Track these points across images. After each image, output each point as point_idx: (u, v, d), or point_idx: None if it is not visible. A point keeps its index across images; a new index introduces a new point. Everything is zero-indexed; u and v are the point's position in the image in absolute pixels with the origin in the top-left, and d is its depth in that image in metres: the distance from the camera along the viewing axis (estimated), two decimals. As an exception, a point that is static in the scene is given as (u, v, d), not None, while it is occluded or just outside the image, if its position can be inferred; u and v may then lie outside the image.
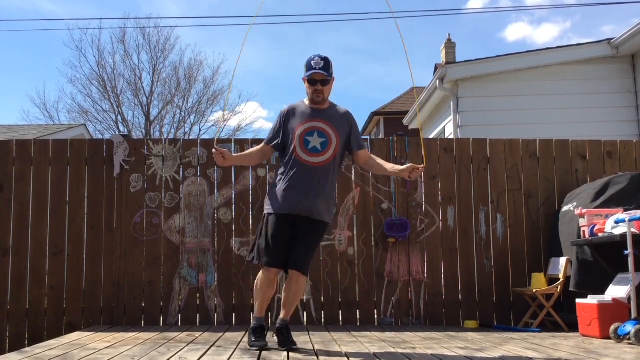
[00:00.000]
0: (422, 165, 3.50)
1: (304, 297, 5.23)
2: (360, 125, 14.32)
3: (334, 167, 3.58)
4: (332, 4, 36.87)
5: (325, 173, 3.51)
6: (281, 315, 3.57)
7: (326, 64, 3.52)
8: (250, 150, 3.88)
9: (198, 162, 5.38)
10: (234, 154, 3.77)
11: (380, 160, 3.75)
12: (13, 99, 38.52)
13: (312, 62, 3.51)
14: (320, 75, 3.49)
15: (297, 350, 3.37)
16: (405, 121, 12.20)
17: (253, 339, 3.49)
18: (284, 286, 3.62)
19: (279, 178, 3.58)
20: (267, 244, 3.47)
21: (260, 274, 3.57)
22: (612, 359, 3.09)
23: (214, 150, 3.53)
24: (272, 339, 3.54)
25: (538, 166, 5.56)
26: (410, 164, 3.55)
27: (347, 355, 3.22)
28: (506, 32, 39.43)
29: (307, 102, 3.64)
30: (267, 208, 3.57)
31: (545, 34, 38.77)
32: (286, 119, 3.60)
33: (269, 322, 5.18)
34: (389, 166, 3.76)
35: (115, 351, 3.33)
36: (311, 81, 3.52)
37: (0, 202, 5.20)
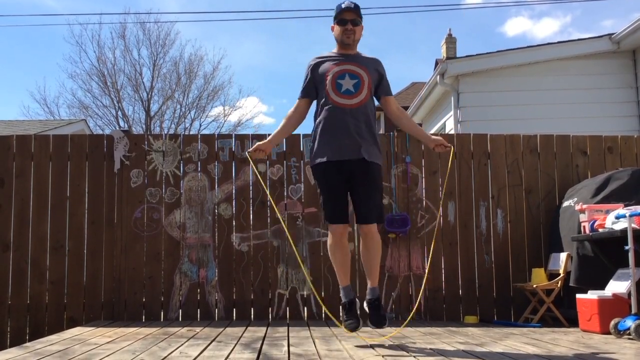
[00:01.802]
0: (450, 146, 3.52)
1: (304, 292, 5.24)
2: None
3: (371, 109, 3.46)
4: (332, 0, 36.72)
5: (363, 114, 3.39)
6: (369, 284, 3.44)
7: (357, 6, 3.46)
8: (285, 118, 3.64)
9: (198, 158, 5.38)
10: (268, 139, 3.61)
11: (410, 119, 3.71)
12: (13, 94, 38.49)
13: (343, 4, 3.45)
14: (351, 14, 3.42)
15: (383, 327, 3.41)
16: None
17: (345, 317, 3.42)
18: (361, 249, 3.47)
19: (316, 129, 3.46)
20: (324, 199, 3.37)
21: (329, 237, 3.45)
22: (612, 354, 3.09)
23: (248, 151, 3.55)
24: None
25: (539, 161, 5.56)
26: (441, 138, 3.58)
27: (347, 350, 3.22)
28: (506, 26, 39.34)
29: (334, 50, 3.57)
30: (313, 161, 3.45)
31: (546, 29, 38.68)
32: (314, 68, 3.52)
33: (270, 317, 5.19)
34: (418, 129, 3.71)
35: (116, 346, 3.34)
36: (341, 21, 3.43)
37: (1, 198, 5.21)
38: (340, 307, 3.40)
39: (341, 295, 3.53)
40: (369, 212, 3.35)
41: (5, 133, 7.96)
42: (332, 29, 3.53)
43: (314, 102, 3.59)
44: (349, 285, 3.52)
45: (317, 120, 3.47)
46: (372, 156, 3.37)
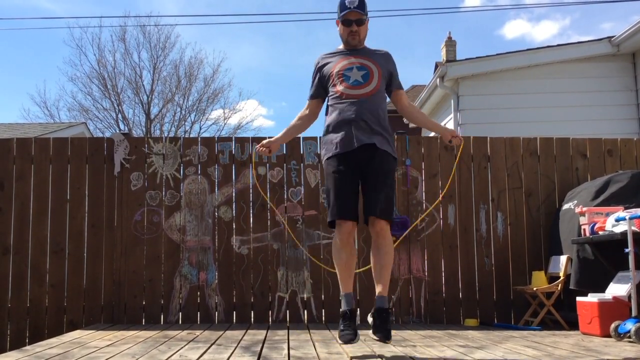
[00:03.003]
0: (462, 140, 3.45)
1: (304, 295, 5.24)
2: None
3: (382, 99, 3.27)
4: (331, 2, 36.83)
5: (374, 103, 3.20)
6: (378, 291, 3.07)
7: (361, 1, 3.25)
8: (296, 117, 3.49)
9: (198, 160, 5.38)
10: (277, 136, 3.46)
11: (421, 112, 3.61)
12: (13, 97, 38.54)
13: (346, 1, 3.27)
14: (355, 14, 3.24)
15: (386, 342, 3.03)
16: (406, 119, 12.20)
17: (341, 327, 3.07)
18: (371, 250, 3.18)
19: (327, 127, 3.28)
20: (332, 194, 3.13)
21: (334, 236, 3.19)
22: (612, 357, 3.09)
23: (257, 149, 3.41)
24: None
25: (538, 164, 5.56)
26: (454, 130, 3.50)
27: (347, 353, 3.22)
28: (505, 29, 39.37)
29: (341, 47, 3.43)
30: (324, 153, 3.26)
31: (545, 31, 38.72)
32: (322, 66, 3.38)
33: (270, 320, 5.19)
34: (432, 122, 3.64)
35: (116, 349, 3.34)
36: (346, 22, 3.27)
37: (1, 201, 5.21)
38: (341, 316, 3.12)
39: (342, 302, 3.20)
40: (381, 204, 3.06)
41: (6, 136, 7.97)
42: (337, 23, 3.36)
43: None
44: (351, 293, 3.21)
45: (327, 117, 3.31)
46: (384, 145, 3.17)
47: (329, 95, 3.32)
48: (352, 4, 3.25)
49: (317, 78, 3.41)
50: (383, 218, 3.08)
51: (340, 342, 3.09)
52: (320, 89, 3.40)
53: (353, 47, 3.35)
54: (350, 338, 3.00)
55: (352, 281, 3.23)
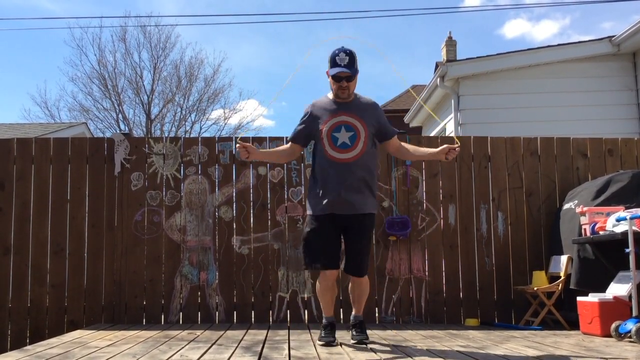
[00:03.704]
0: (457, 145, 3.49)
1: (305, 295, 5.24)
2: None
3: (370, 157, 3.51)
4: (331, 2, 36.82)
5: (361, 166, 3.45)
6: (353, 312, 3.68)
7: (351, 59, 3.42)
8: (278, 148, 3.86)
9: (199, 160, 5.38)
10: (260, 150, 3.66)
11: (412, 147, 3.80)
12: (14, 97, 38.54)
13: (337, 58, 3.41)
14: (345, 72, 3.40)
15: (365, 343, 3.51)
16: (406, 119, 12.20)
17: (322, 334, 3.57)
18: (349, 287, 3.70)
19: (313, 178, 3.56)
20: (317, 249, 3.46)
21: (319, 278, 3.59)
22: (613, 357, 3.09)
23: (237, 145, 3.49)
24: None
25: (539, 164, 5.56)
26: (445, 145, 3.54)
27: (348, 353, 3.22)
28: (504, 28, 39.35)
29: (330, 95, 3.57)
30: (309, 209, 3.55)
31: (544, 31, 38.70)
32: (310, 117, 3.55)
33: (271, 320, 5.19)
34: (423, 150, 3.80)
35: (117, 349, 3.34)
36: (336, 77, 3.43)
37: (1, 201, 5.21)
38: (322, 327, 3.63)
39: (323, 319, 3.67)
40: (361, 267, 3.53)
41: (6, 136, 7.98)
42: (327, 74, 3.49)
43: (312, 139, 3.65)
44: (332, 316, 3.68)
45: (315, 170, 3.55)
46: (366, 208, 3.48)
47: (318, 148, 3.54)
48: (343, 61, 3.41)
49: (304, 126, 3.58)
50: (360, 277, 3.58)
51: (320, 343, 3.54)
52: (304, 138, 3.62)
53: (343, 99, 3.50)
54: (330, 341, 3.49)
55: (332, 308, 3.70)
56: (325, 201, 3.43)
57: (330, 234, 3.46)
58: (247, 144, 3.49)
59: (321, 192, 3.45)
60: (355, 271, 3.54)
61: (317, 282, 3.62)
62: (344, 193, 3.41)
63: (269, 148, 3.78)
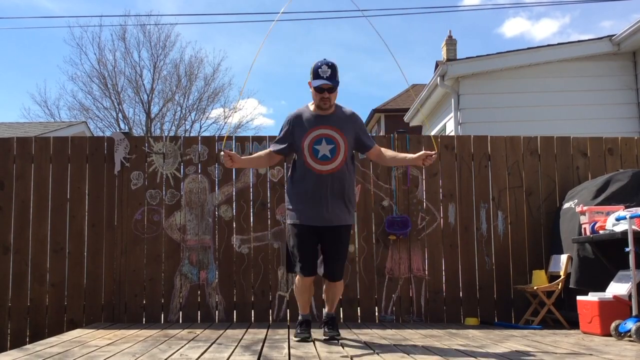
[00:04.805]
0: (434, 152, 3.55)
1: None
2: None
3: (348, 169, 3.64)
4: (331, 2, 36.82)
5: (340, 178, 3.58)
6: (326, 309, 3.91)
7: (333, 71, 3.53)
8: (259, 153, 3.94)
9: (199, 160, 5.38)
10: (242, 157, 3.78)
11: (391, 152, 3.88)
12: (14, 96, 38.54)
13: (319, 70, 3.52)
14: (327, 84, 3.51)
15: (337, 339, 3.70)
16: (406, 118, 12.19)
17: (298, 330, 3.75)
18: (324, 287, 3.85)
19: (293, 183, 3.65)
20: (296, 255, 3.63)
21: (297, 279, 3.77)
22: (612, 356, 3.09)
23: (222, 153, 3.57)
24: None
25: (539, 163, 5.56)
26: (422, 151, 3.60)
27: (348, 352, 3.22)
28: (504, 27, 39.37)
29: (311, 106, 3.67)
30: (289, 218, 3.68)
31: (544, 30, 38.70)
32: (292, 127, 3.65)
33: (270, 319, 5.19)
34: (401, 156, 3.85)
35: (116, 348, 3.34)
36: (318, 89, 3.54)
37: (1, 200, 5.21)
38: (298, 324, 3.81)
39: (299, 316, 3.85)
40: (337, 272, 3.72)
41: (6, 135, 7.97)
42: (309, 84, 3.60)
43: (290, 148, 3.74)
44: (308, 313, 3.87)
45: (294, 178, 3.65)
46: (342, 220, 3.63)
47: (298, 157, 3.64)
48: (325, 73, 3.51)
49: (285, 136, 3.68)
50: (335, 281, 3.77)
51: (295, 339, 3.69)
52: (285, 147, 3.70)
53: (324, 110, 3.61)
54: (306, 337, 3.67)
55: (309, 306, 3.92)
56: (306, 213, 3.57)
57: (309, 243, 3.61)
58: (232, 152, 3.58)
59: (300, 203, 3.59)
60: (330, 277, 3.72)
61: (295, 283, 3.81)
62: (324, 205, 3.55)
63: (269, 148, 3.79)
